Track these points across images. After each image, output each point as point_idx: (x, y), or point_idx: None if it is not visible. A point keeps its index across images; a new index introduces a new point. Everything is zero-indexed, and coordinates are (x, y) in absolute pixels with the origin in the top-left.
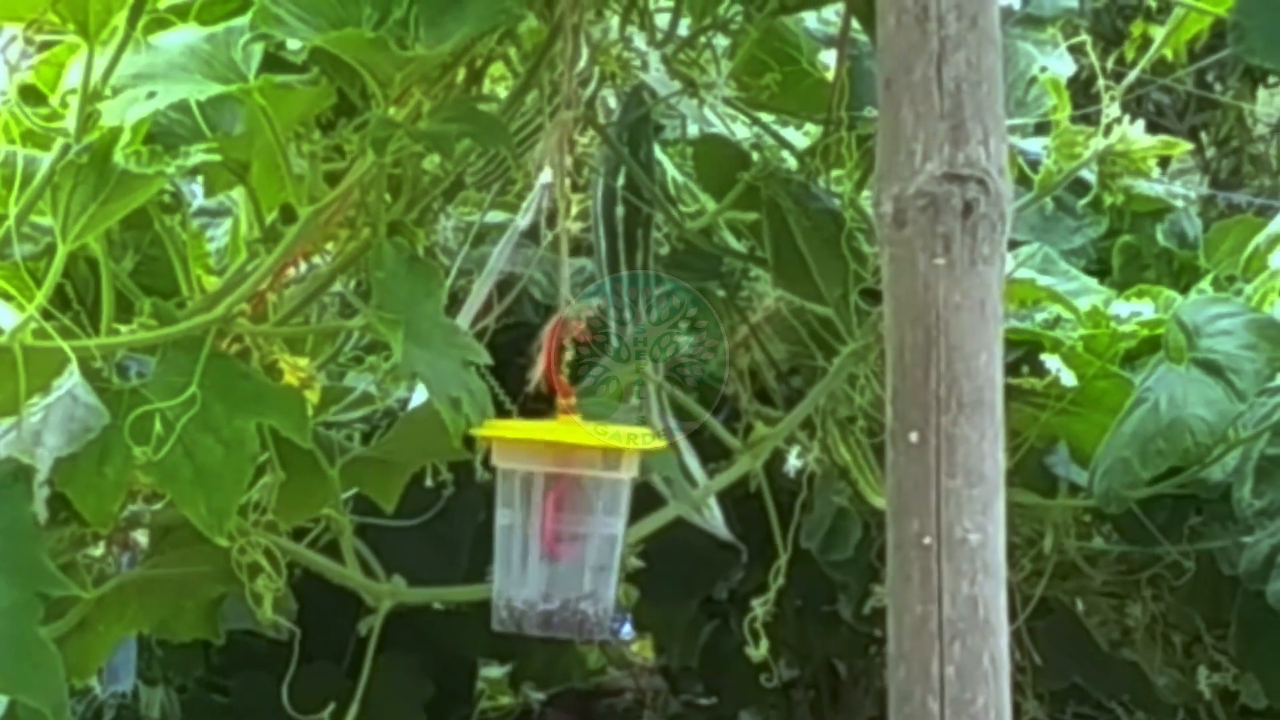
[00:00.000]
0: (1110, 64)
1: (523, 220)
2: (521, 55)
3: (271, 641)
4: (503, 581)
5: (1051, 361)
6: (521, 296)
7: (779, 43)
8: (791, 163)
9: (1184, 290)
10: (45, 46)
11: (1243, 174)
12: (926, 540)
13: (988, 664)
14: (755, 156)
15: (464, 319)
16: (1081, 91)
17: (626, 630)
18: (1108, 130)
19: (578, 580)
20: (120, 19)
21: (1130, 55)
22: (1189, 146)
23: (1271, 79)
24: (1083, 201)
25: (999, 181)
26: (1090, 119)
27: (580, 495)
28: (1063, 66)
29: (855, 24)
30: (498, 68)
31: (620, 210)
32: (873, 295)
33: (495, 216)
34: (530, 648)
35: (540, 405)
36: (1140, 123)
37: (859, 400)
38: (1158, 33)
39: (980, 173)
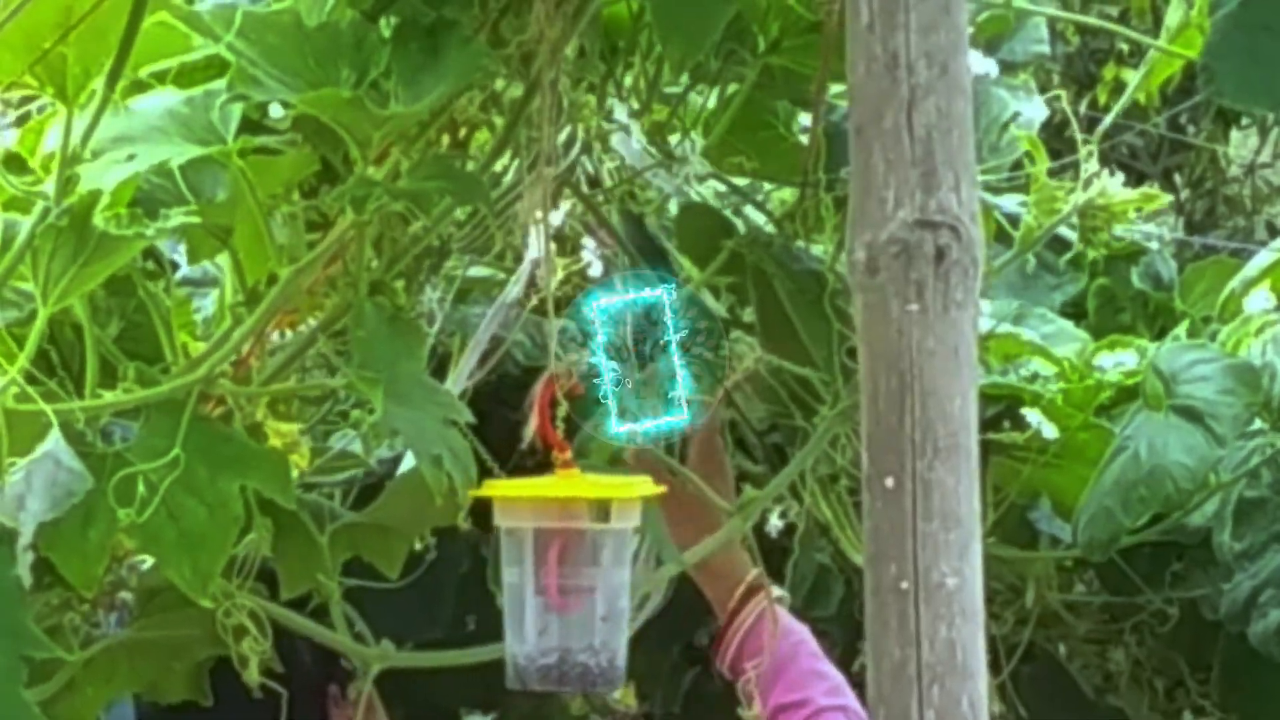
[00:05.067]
0: (1084, 108)
1: (510, 294)
2: (500, 113)
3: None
4: (514, 640)
5: (1032, 415)
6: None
7: (756, 108)
8: (770, 227)
9: (1160, 333)
10: (27, 114)
11: (1217, 215)
12: (904, 585)
13: (966, 708)
14: (739, 222)
15: (452, 388)
16: (1055, 135)
17: None
18: (1087, 184)
19: (590, 632)
20: (98, 82)
21: (1103, 99)
22: (1169, 198)
23: (1244, 120)
24: (1064, 258)
25: (971, 228)
26: (1064, 163)
27: (584, 548)
28: (1035, 111)
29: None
30: (483, 134)
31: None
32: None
33: (476, 271)
34: (513, 697)
35: (531, 461)
36: (1119, 175)
37: (840, 461)
38: (1129, 75)
39: (952, 219)
